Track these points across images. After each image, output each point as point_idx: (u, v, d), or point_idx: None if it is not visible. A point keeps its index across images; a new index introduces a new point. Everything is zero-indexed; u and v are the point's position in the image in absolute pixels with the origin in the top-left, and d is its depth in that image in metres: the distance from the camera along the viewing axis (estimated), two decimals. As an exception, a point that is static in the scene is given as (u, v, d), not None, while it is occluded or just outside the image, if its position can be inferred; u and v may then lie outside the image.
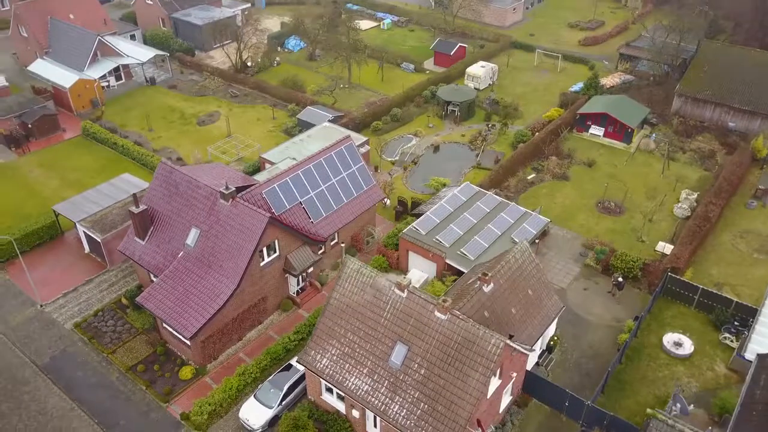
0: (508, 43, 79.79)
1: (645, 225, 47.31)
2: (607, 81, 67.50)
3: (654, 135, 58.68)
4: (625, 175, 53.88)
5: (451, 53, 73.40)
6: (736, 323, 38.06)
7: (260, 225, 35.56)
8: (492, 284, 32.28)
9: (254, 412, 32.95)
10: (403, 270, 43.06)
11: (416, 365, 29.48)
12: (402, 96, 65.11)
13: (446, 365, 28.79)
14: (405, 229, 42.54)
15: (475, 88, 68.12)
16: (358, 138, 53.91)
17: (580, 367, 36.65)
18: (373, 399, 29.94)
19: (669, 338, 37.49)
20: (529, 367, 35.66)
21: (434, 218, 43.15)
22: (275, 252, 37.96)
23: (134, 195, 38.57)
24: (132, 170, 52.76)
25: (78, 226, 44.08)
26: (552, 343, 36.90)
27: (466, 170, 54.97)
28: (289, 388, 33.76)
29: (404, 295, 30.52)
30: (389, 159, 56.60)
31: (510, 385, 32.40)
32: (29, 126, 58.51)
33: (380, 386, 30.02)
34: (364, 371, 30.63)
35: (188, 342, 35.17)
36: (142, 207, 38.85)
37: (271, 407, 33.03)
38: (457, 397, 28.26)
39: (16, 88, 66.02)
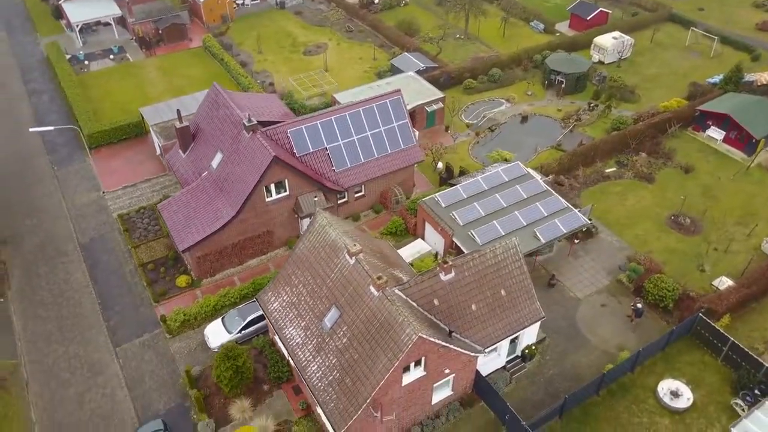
0: (666, 14, 69.81)
1: (708, 252, 40.53)
2: (761, 77, 56.66)
3: (787, 152, 48.95)
4: (724, 192, 46.03)
5: (588, 17, 66.33)
6: (757, 391, 31.97)
7: (265, 161, 36.65)
8: (453, 273, 30.42)
9: (215, 333, 35.26)
10: (419, 236, 41.88)
11: (342, 333, 29.30)
12: (512, 56, 60.84)
13: (364, 341, 28.25)
14: (426, 198, 41.01)
15: (598, 61, 61.46)
16: (435, 93, 52.04)
17: (550, 384, 33.58)
18: (299, 353, 30.51)
19: (666, 385, 32.67)
20: (491, 369, 33.72)
21: (462, 192, 40.94)
22: (285, 191, 38.98)
23: (178, 111, 41.55)
24: (226, 86, 56.41)
25: (151, 129, 48.78)
26: (527, 351, 34.09)
27: (541, 149, 50.70)
28: (252, 321, 35.41)
29: (351, 262, 30.05)
30: (467, 121, 53.96)
31: (447, 381, 30.90)
32: (160, 32, 64.67)
33: (309, 343, 30.41)
34: (302, 324, 31.14)
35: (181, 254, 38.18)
36: (184, 123, 41.85)
37: (230, 333, 35.10)
38: (364, 375, 27.79)
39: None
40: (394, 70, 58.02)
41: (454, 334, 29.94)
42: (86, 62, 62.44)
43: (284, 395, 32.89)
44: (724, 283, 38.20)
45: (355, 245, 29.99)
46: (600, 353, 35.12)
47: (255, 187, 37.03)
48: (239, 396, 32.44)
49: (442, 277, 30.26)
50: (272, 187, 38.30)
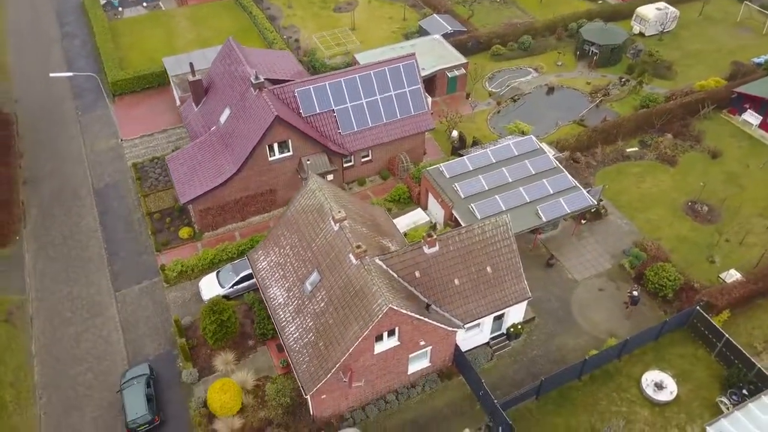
0: (721, -15, 65.38)
1: (720, 243, 38.81)
2: (812, 60, 52.85)
3: (829, 142, 45.90)
4: (751, 180, 43.71)
5: (634, -15, 62.70)
6: (745, 391, 30.91)
7: (268, 120, 36.68)
8: (437, 247, 30.14)
9: (209, 286, 36.16)
10: (423, 206, 41.52)
11: (320, 297, 29.61)
12: (547, 23, 58.44)
13: (340, 307, 28.50)
14: (430, 167, 40.42)
15: (639, 33, 58.42)
16: (458, 59, 50.66)
17: (532, 364, 33.28)
18: (280, 312, 31.06)
19: (651, 376, 31.93)
20: (474, 345, 33.61)
21: (468, 164, 40.14)
22: (288, 151, 39.06)
23: (191, 64, 41.78)
24: (251, 41, 56.59)
25: (171, 80, 49.33)
26: (513, 330, 33.75)
27: (562, 122, 49.02)
28: (245, 277, 36.09)
29: (336, 228, 30.09)
30: (490, 89, 52.48)
31: (425, 352, 31.00)
32: (193, -20, 64.65)
33: (290, 304, 30.89)
34: (285, 285, 31.59)
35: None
36: (197, 77, 42.10)
37: (223, 287, 35.93)
38: (336, 340, 28.15)
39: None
40: (422, 32, 56.64)
41: (432, 307, 29.87)
42: (120, 9, 63.26)
43: (268, 352, 33.71)
44: (733, 276, 36.64)
45: (340, 212, 29.95)
46: (589, 338, 34.49)
47: (257, 145, 37.24)
48: (224, 349, 33.45)
49: (426, 249, 30.04)
50: (275, 146, 38.43)
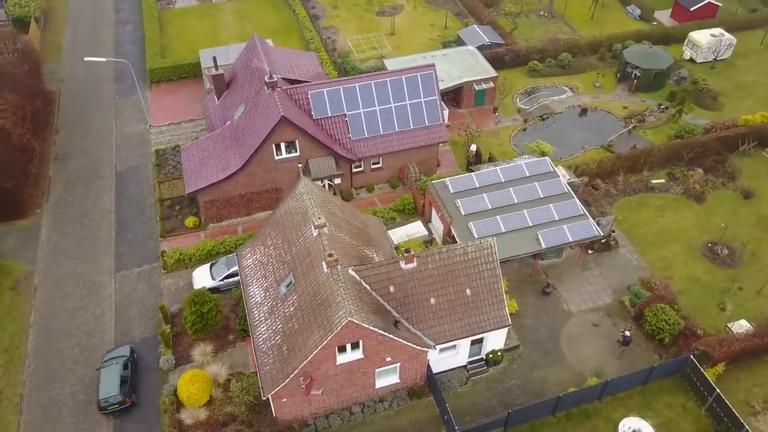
0: (793, 15, 61.34)
1: (733, 290, 36.34)
2: None
3: None
4: (784, 226, 40.82)
5: (693, 8, 59.68)
6: (729, 453, 28.89)
7: (274, 119, 37.07)
8: (414, 263, 29.62)
9: (201, 276, 36.91)
10: (427, 219, 40.93)
11: (291, 301, 29.68)
12: (592, 42, 56.42)
13: (306, 314, 28.48)
14: (436, 180, 39.77)
15: (689, 59, 55.57)
16: (488, 72, 49.67)
17: (508, 394, 32.21)
18: (255, 312, 31.33)
19: (630, 423, 30.22)
20: (450, 366, 32.83)
21: (475, 180, 39.28)
22: (296, 151, 39.34)
23: (214, 58, 42.74)
24: (291, 38, 57.48)
25: (203, 72, 50.65)
26: (491, 356, 32.75)
27: (589, 146, 47.21)
28: (236, 272, 36.54)
29: (315, 234, 30.08)
30: (520, 104, 51.16)
31: (394, 369, 30.52)
32: (245, -25, 66.00)
33: (265, 304, 31.12)
34: (264, 285, 31.84)
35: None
36: (220, 71, 43.04)
37: (213, 279, 36.58)
38: (298, 346, 28.14)
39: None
40: (459, 42, 55.81)
41: (403, 324, 29.42)
42: (173, -1, 65.53)
43: (246, 348, 34.09)
44: (742, 327, 34.29)
45: (320, 218, 29.92)
46: (573, 374, 33.07)
47: (263, 143, 37.69)
48: (204, 340, 34.06)
49: (403, 265, 29.59)
50: (282, 146, 38.79)
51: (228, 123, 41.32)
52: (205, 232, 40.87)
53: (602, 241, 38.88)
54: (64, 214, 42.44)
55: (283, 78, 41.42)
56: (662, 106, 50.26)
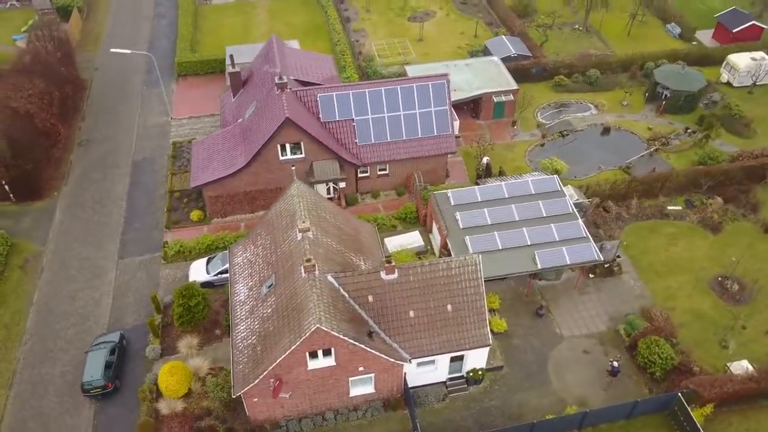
0: (843, 41, 58.02)
1: (736, 328, 34.58)
2: None
3: None
4: (804, 265, 38.65)
5: (735, 30, 57.24)
6: (707, 500, 27.51)
7: (279, 120, 37.39)
8: (395, 274, 29.36)
9: (196, 270, 37.54)
10: (428, 229, 40.53)
11: (269, 303, 29.85)
12: (624, 59, 54.79)
13: (281, 316, 28.60)
14: (438, 192, 39.31)
15: (726, 82, 53.34)
16: (509, 84, 48.86)
17: (484, 415, 31.53)
18: (238, 310, 31.64)
19: (607, 457, 29.27)
20: (428, 381, 32.37)
21: (477, 194, 38.68)
22: (301, 153, 39.58)
23: (231, 56, 43.42)
24: (320, 39, 57.90)
25: (227, 68, 51.41)
26: (472, 374, 32.13)
27: (605, 167, 45.83)
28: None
29: (298, 238, 30.17)
30: (540, 119, 50.10)
31: (369, 379, 30.31)
32: (282, -25, 66.90)
33: (247, 303, 31.39)
34: (249, 284, 32.14)
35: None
36: (236, 69, 43.70)
37: (208, 274, 37.15)
38: (270, 348, 28.27)
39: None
40: (486, 52, 55.11)
41: (378, 335, 29.19)
42: (211, -6, 66.92)
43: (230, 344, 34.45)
44: (742, 367, 32.63)
45: (304, 222, 30.00)
46: (555, 400, 32.13)
47: (267, 143, 38.08)
48: (191, 332, 34.62)
49: (383, 275, 29.37)
50: (288, 147, 39.08)
51: (239, 120, 41.92)
52: (209, 227, 41.57)
53: (605, 265, 37.70)
54: (79, 198, 43.89)
55: (295, 79, 41.76)
56: (689, 130, 48.36)
